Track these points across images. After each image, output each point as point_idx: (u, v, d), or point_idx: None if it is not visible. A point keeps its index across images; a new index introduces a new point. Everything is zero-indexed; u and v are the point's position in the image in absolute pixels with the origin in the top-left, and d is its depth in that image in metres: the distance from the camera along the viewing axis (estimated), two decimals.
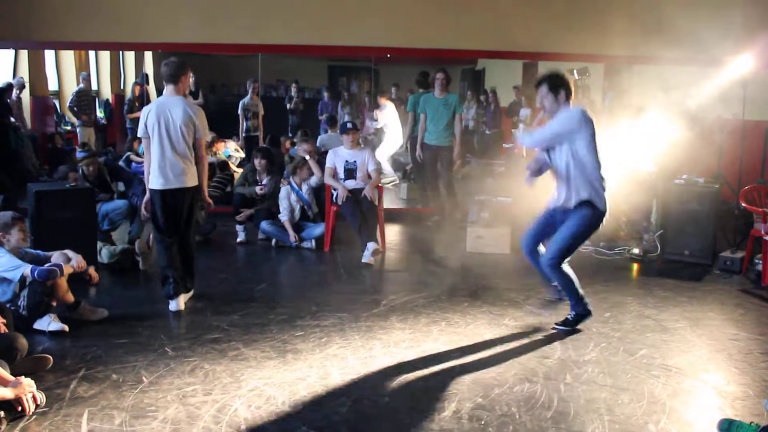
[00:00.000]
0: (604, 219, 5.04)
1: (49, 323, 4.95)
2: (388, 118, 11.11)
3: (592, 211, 4.95)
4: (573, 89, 5.05)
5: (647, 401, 4.02)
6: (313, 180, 7.92)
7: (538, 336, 5.10)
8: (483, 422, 3.73)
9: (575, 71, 10.33)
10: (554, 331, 5.19)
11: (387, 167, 11.35)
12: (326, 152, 8.25)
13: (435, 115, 8.75)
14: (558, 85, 4.99)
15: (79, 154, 7.42)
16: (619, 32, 8.19)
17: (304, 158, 7.98)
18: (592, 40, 8.88)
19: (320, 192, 8.04)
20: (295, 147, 10.31)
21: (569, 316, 5.26)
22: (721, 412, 3.91)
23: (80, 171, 7.23)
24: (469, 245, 7.68)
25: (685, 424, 3.76)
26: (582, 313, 5.24)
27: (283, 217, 7.75)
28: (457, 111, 8.78)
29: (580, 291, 5.19)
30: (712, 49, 8.21)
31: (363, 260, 7.10)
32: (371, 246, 7.14)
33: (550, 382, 4.27)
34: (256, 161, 8.13)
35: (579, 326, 5.22)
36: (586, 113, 4.91)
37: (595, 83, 10.80)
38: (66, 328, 4.98)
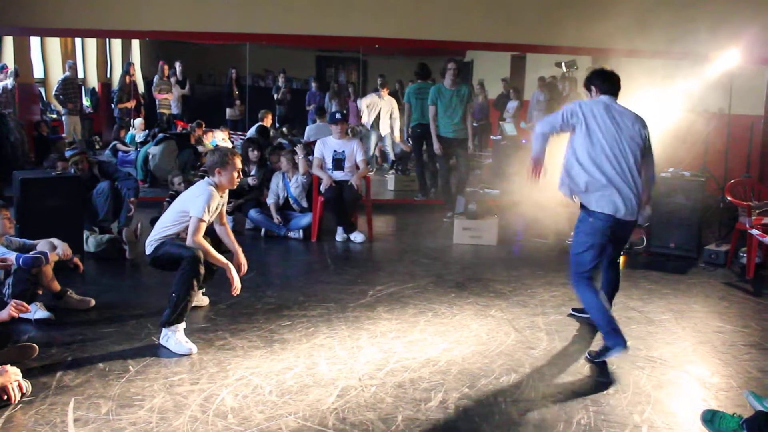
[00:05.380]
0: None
1: (35, 311, 4.92)
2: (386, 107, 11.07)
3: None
4: (611, 83, 4.65)
5: (632, 392, 4.05)
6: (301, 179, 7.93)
7: (524, 327, 5.12)
8: (469, 412, 3.75)
9: (563, 64, 10.36)
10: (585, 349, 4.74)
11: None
12: (314, 143, 8.24)
13: (449, 107, 8.43)
14: (588, 81, 4.78)
15: (68, 152, 7.31)
16: (607, 26, 8.20)
17: (282, 146, 8.11)
18: (579, 33, 8.90)
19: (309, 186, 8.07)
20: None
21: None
22: (704, 403, 3.94)
23: (72, 171, 7.11)
24: (456, 237, 7.70)
25: (669, 415, 3.79)
26: (609, 346, 4.43)
27: (270, 199, 7.83)
28: (469, 101, 8.53)
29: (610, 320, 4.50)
30: (700, 43, 8.26)
31: (337, 238, 7.67)
32: (340, 230, 7.65)
33: (536, 372, 4.30)
34: (253, 153, 8.18)
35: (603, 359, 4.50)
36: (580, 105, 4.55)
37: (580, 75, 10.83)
38: (52, 316, 4.96)
